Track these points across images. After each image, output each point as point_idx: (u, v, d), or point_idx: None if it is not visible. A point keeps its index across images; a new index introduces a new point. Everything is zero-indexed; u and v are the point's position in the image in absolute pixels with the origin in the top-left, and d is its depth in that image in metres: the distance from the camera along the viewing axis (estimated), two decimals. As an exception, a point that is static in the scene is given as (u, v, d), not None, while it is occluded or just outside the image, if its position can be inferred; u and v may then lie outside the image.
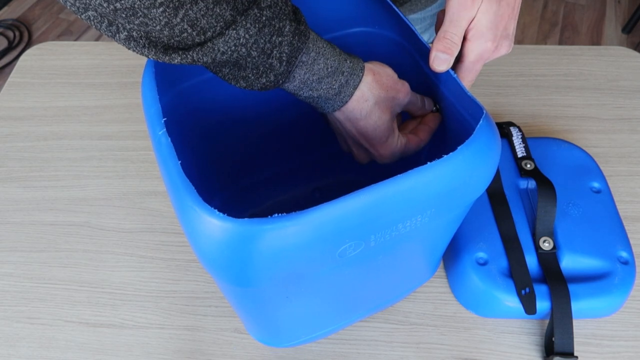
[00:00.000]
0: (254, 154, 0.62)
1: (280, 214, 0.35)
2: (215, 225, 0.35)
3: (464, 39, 0.47)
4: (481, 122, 0.40)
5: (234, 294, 0.45)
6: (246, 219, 0.35)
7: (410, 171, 0.38)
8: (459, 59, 0.49)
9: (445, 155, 0.38)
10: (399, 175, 0.37)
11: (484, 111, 0.41)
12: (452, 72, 0.45)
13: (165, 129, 0.40)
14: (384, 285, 0.53)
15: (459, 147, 0.39)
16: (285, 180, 0.67)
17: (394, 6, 0.49)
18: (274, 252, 0.36)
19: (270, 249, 0.36)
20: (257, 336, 0.56)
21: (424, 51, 0.47)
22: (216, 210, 0.35)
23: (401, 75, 0.50)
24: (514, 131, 0.68)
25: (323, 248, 0.38)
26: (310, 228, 0.36)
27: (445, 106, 0.49)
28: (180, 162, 0.38)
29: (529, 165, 0.65)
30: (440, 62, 0.45)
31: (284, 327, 0.52)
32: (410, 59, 0.52)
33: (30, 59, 0.88)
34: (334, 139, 0.62)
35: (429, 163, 0.38)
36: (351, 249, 0.39)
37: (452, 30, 0.45)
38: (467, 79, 0.49)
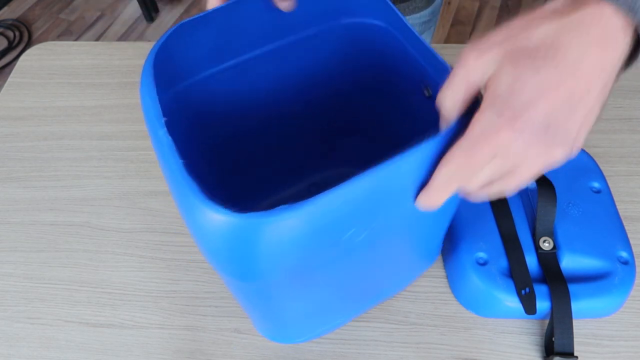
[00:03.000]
0: (251, 153, 0.62)
1: (284, 205, 0.35)
2: (220, 220, 0.35)
3: None
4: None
5: (240, 290, 0.45)
6: (251, 212, 0.35)
7: (398, 155, 0.38)
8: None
9: (429, 139, 0.38)
10: (391, 159, 0.37)
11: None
12: (442, 60, 0.45)
13: (165, 129, 0.41)
14: (386, 271, 0.53)
15: (440, 131, 0.39)
16: (280, 178, 0.67)
17: None
18: (280, 244, 0.36)
19: (275, 240, 0.36)
20: (266, 333, 0.56)
21: (415, 41, 0.46)
22: (221, 205, 0.36)
23: (392, 67, 0.49)
24: (514, 131, 0.68)
25: (327, 236, 0.38)
26: (314, 217, 0.36)
27: (435, 95, 0.49)
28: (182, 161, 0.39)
29: (529, 165, 0.65)
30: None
31: (292, 322, 0.53)
32: (400, 49, 0.51)
33: (30, 59, 0.88)
34: (334, 136, 0.62)
35: (414, 147, 0.38)
36: (355, 235, 0.40)
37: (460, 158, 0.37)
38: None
